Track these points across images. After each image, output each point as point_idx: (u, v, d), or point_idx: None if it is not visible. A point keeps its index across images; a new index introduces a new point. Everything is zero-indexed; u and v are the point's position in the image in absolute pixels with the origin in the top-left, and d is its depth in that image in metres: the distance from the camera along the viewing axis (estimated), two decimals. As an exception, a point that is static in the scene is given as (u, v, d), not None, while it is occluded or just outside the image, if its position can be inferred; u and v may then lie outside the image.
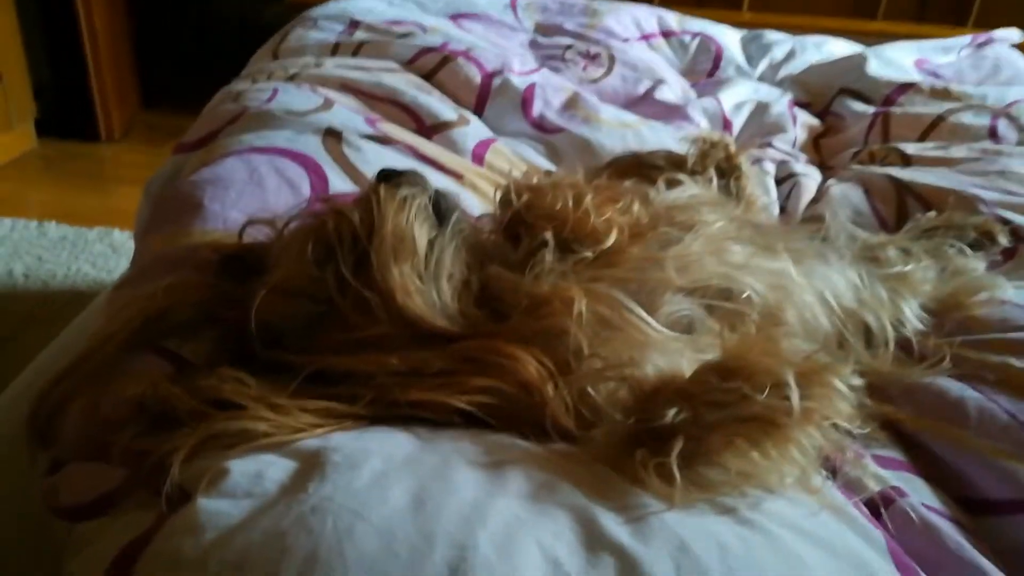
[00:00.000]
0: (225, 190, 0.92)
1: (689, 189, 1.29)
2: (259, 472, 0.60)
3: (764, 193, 1.39)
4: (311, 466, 0.60)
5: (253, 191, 0.93)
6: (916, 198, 1.36)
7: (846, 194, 1.41)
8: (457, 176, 1.13)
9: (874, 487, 0.77)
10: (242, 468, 0.60)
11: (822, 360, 0.66)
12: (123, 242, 2.68)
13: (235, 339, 0.77)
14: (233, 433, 0.63)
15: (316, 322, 0.75)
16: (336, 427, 0.67)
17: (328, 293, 0.74)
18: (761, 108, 1.74)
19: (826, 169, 1.63)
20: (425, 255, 0.77)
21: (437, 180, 1.10)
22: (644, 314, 0.78)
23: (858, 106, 1.77)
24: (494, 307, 0.79)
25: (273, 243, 0.81)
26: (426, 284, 0.76)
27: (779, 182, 1.50)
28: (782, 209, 1.45)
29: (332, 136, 1.05)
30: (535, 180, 0.90)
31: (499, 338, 0.73)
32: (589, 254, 0.82)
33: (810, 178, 1.50)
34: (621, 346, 0.74)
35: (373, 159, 1.05)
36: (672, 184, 1.30)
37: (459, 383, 0.70)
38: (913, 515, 0.75)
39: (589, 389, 0.71)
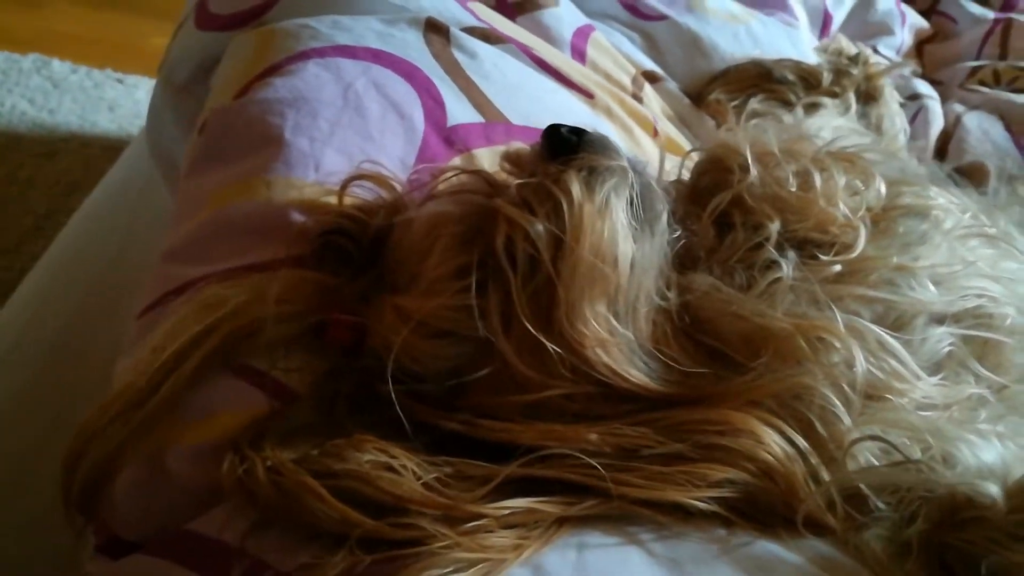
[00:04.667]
0: (313, 118, 0.65)
1: (832, 117, 1.07)
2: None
3: (904, 124, 1.17)
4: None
5: (352, 120, 0.66)
6: (1070, 141, 1.17)
7: (985, 129, 1.20)
8: (587, 95, 0.87)
9: None
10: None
11: None
12: (65, 75, 2.29)
13: (348, 370, 0.54)
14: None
15: (466, 368, 0.53)
16: (544, 542, 0.47)
17: (484, 332, 0.52)
18: (865, 2, 1.48)
19: (934, 85, 1.40)
20: (628, 284, 0.54)
21: (567, 103, 0.84)
22: (910, 361, 0.59)
23: (974, 7, 1.52)
24: (704, 340, 0.58)
25: (400, 231, 0.57)
26: (624, 325, 0.54)
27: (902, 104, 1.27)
28: (904, 140, 1.24)
29: (436, 32, 0.77)
30: (760, 142, 0.66)
31: (724, 403, 0.53)
32: (837, 266, 0.60)
33: (935, 101, 1.28)
34: (898, 417, 0.55)
35: (493, 72, 0.78)
36: (811, 109, 1.08)
37: (691, 474, 0.50)
38: None
39: (858, 482, 0.52)
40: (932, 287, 0.63)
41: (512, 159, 0.60)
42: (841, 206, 0.61)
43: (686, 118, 1.08)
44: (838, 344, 0.55)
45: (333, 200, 0.62)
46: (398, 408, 0.50)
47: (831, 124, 1.05)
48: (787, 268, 0.59)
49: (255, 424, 0.53)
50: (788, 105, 1.07)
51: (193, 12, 0.87)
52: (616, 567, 0.47)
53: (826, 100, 1.06)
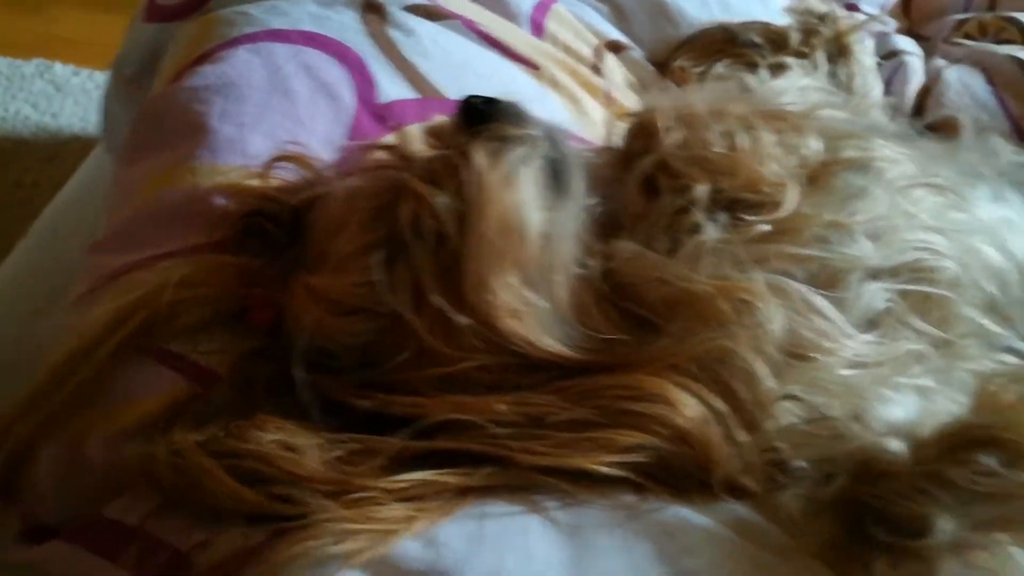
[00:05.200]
0: (240, 103, 0.65)
1: (797, 78, 1.05)
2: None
3: (877, 82, 1.15)
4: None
5: (279, 103, 0.66)
6: (1053, 92, 1.13)
7: (966, 84, 1.17)
8: (532, 66, 0.86)
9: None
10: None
11: None
12: (67, 79, 2.32)
13: (267, 351, 0.55)
14: (307, 559, 0.43)
15: (378, 344, 0.53)
16: (441, 513, 0.47)
17: (396, 306, 0.52)
18: (844, -45, 1.45)
19: (920, 40, 1.37)
20: (540, 253, 0.54)
21: (510, 76, 0.83)
22: (838, 318, 0.58)
23: (961, -44, 1.48)
24: (627, 307, 0.57)
25: (317, 209, 0.57)
26: (539, 294, 0.53)
27: (881, 61, 1.24)
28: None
29: (373, 11, 0.77)
30: (688, 105, 0.65)
31: (641, 368, 0.52)
32: (766, 226, 0.59)
33: (916, 57, 1.25)
34: (819, 376, 0.54)
35: (431, 49, 0.77)
36: (777, 70, 1.06)
37: (599, 441, 0.50)
38: None
39: (777, 442, 0.52)
40: (867, 242, 0.62)
41: (434, 132, 0.60)
42: (769, 164, 0.60)
43: (650, 86, 1.07)
44: (760, 305, 0.54)
45: (257, 183, 0.62)
46: (301, 390, 0.50)
47: (796, 85, 1.03)
48: (710, 230, 0.59)
49: (172, 408, 0.53)
50: (754, 68, 1.05)
51: (143, 5, 0.88)
52: (514, 536, 0.46)
53: (792, 61, 1.04)
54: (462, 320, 0.52)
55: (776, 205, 0.61)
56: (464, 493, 0.49)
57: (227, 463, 0.47)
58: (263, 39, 0.71)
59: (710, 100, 0.65)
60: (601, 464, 0.50)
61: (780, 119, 0.65)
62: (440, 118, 0.64)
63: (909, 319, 0.64)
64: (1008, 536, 0.45)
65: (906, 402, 0.53)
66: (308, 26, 0.74)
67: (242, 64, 0.68)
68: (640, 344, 0.55)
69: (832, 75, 1.09)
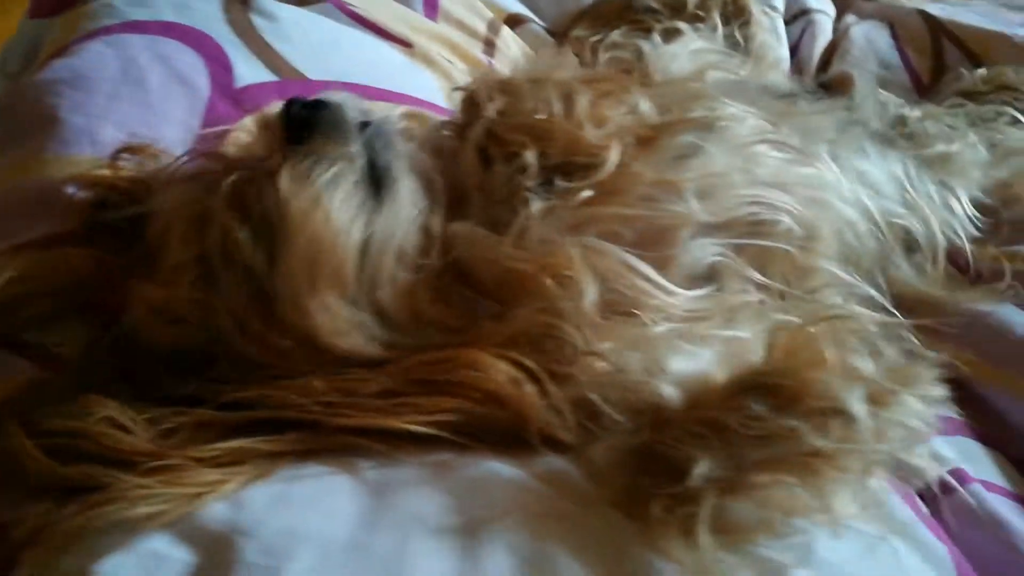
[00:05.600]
0: (90, 94, 0.67)
1: (691, 42, 1.06)
2: (142, 584, 0.43)
3: (777, 43, 1.16)
4: (214, 566, 0.43)
5: (131, 93, 0.68)
6: (956, 44, 1.14)
7: (871, 39, 1.18)
8: (404, 44, 0.88)
9: (933, 473, 0.63)
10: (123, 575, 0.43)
11: (901, 370, 0.49)
12: None
13: (115, 339, 0.57)
14: (97, 524, 0.45)
15: (210, 348, 0.55)
16: (252, 476, 0.49)
17: (218, 326, 0.54)
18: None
19: (839, -1, 1.37)
20: (359, 265, 0.55)
21: (378, 54, 0.85)
22: (656, 277, 0.60)
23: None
24: (467, 293, 0.59)
25: (157, 207, 0.58)
26: (362, 308, 0.55)
27: (787, 22, 1.25)
28: (792, 54, 1.22)
29: (236, 2, 0.79)
30: (512, 74, 0.67)
31: (464, 347, 0.55)
32: (588, 191, 0.61)
33: (825, 15, 1.26)
34: (630, 333, 0.56)
35: (294, 33, 0.79)
36: (670, 35, 1.07)
37: (411, 405, 0.52)
38: (978, 508, 0.62)
39: (590, 395, 0.54)
40: (694, 200, 0.63)
41: (260, 125, 0.62)
42: (587, 127, 0.62)
43: (553, 58, 1.08)
44: (575, 276, 0.56)
45: (108, 172, 0.64)
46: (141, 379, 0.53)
47: (688, 49, 1.04)
48: (536, 201, 0.60)
49: (16, 393, 0.56)
50: (651, 34, 1.06)
51: (31, 2, 0.89)
52: (317, 495, 0.49)
53: (685, 26, 1.05)
54: (284, 343, 0.53)
55: (600, 167, 0.62)
56: (277, 457, 0.51)
57: (46, 442, 0.50)
58: (119, 31, 0.73)
59: (532, 68, 0.66)
60: (412, 424, 0.52)
61: (606, 83, 0.66)
62: (274, 106, 0.65)
63: (746, 272, 0.66)
64: (779, 476, 0.46)
65: (705, 353, 0.55)
66: (169, 16, 0.75)
67: (95, 56, 0.70)
68: (474, 327, 0.57)
69: (729, 37, 1.10)
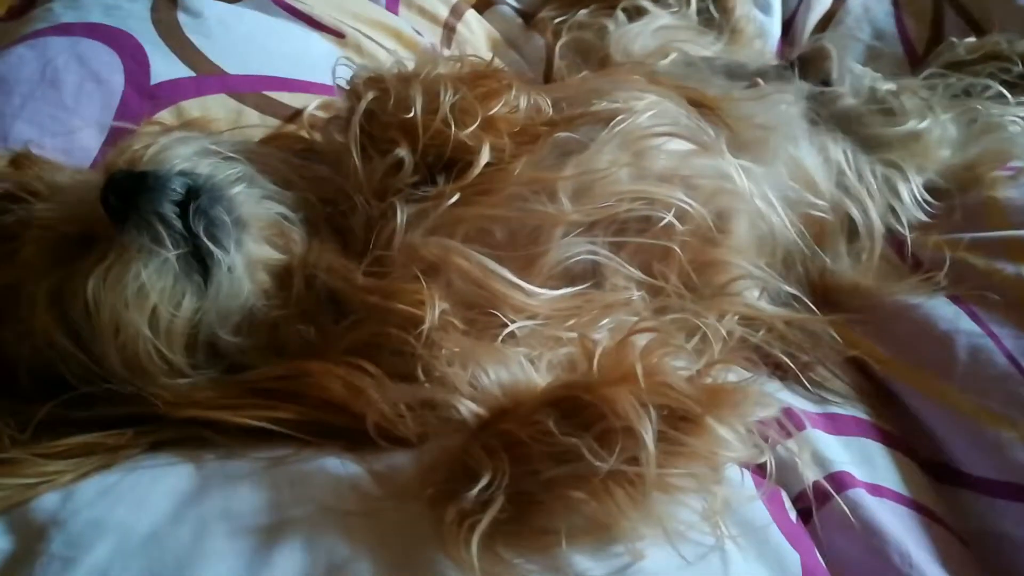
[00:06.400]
0: (7, 96, 0.72)
1: (656, 19, 1.03)
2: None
3: (764, 11, 1.11)
4: (23, 556, 0.47)
5: (45, 93, 0.73)
6: (957, 11, 1.07)
7: (868, 7, 1.12)
8: (336, 35, 0.89)
9: (811, 476, 0.61)
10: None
11: (714, 389, 0.48)
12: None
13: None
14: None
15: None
16: (94, 468, 0.53)
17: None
18: None
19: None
20: (189, 338, 0.58)
21: (307, 43, 0.87)
22: (512, 278, 0.60)
23: None
24: (332, 311, 0.62)
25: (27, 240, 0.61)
26: (199, 364, 0.59)
27: (785, -11, 1.19)
28: (786, 27, 1.17)
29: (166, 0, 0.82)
30: (388, 69, 0.67)
31: (308, 357, 0.58)
32: (457, 192, 0.61)
33: (824, -16, 1.20)
34: (464, 341, 0.56)
35: (216, 29, 0.82)
36: (636, 13, 1.04)
37: (249, 404, 0.55)
38: (852, 517, 0.59)
39: (432, 397, 0.55)
40: (566, 199, 0.63)
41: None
42: (456, 125, 0.62)
43: (515, 40, 1.07)
44: (422, 298, 0.57)
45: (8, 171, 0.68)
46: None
47: (652, 27, 1.02)
48: (403, 206, 0.61)
49: None
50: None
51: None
52: (141, 487, 0.52)
53: (649, 3, 1.02)
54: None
55: (468, 164, 0.62)
56: (122, 450, 0.55)
57: None
58: (44, 34, 0.77)
59: (408, 65, 0.67)
60: (249, 418, 0.55)
61: (487, 80, 0.65)
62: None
63: (627, 271, 0.65)
64: (563, 493, 0.46)
65: (526, 361, 0.55)
66: (96, 17, 0.79)
67: (15, 59, 0.75)
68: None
69: (704, 12, 1.06)
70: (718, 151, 0.70)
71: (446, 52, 0.98)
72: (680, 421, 0.47)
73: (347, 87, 0.67)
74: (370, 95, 0.63)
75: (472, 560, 0.45)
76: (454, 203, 0.62)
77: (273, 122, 0.79)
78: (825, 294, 0.76)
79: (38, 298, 0.58)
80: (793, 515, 0.60)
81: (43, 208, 0.61)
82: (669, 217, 0.64)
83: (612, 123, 0.68)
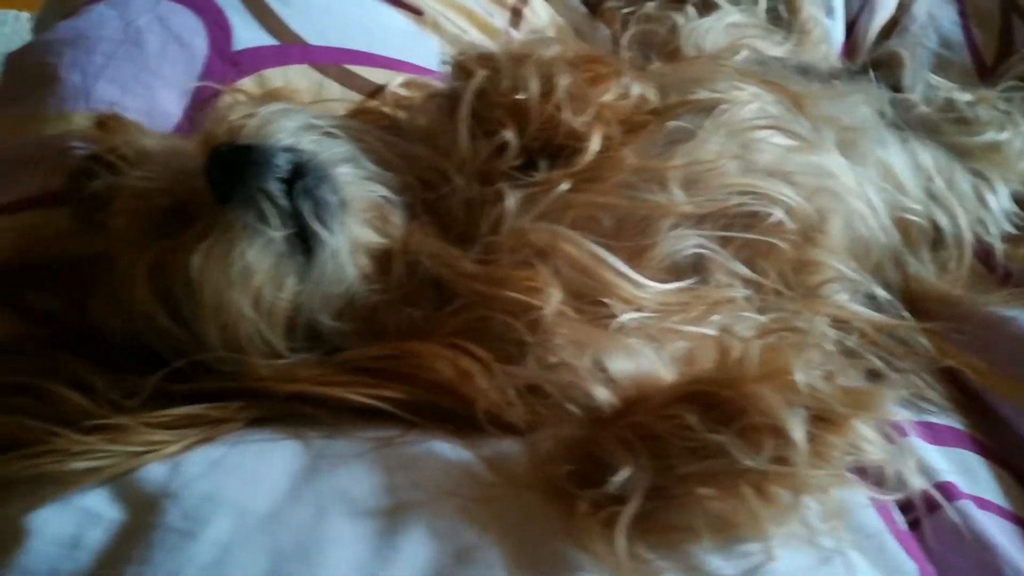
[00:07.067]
0: (89, 53, 0.68)
1: (727, 15, 1.01)
2: (75, 538, 0.45)
3: (827, 14, 1.09)
4: (138, 527, 0.45)
5: (128, 53, 0.69)
6: (1027, 22, 1.06)
7: (934, 15, 1.10)
8: (415, 11, 0.86)
9: (918, 484, 0.60)
10: (54, 529, 0.45)
11: (858, 392, 0.46)
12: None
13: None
14: (29, 474, 0.47)
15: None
16: (197, 440, 0.50)
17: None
18: None
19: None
20: (290, 320, 0.56)
21: (386, 17, 0.84)
22: (624, 268, 0.58)
23: None
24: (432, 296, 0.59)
25: (118, 206, 0.58)
26: (298, 346, 0.57)
27: (847, -7, 1.18)
28: (850, 29, 1.16)
29: (245, -35, 0.79)
30: (500, 47, 0.65)
31: (412, 339, 0.56)
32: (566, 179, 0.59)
33: (889, -12, 1.18)
34: (581, 328, 0.54)
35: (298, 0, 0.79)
36: (705, 8, 1.02)
37: (355, 383, 0.53)
38: (963, 527, 0.58)
39: (541, 384, 0.53)
40: (677, 188, 0.61)
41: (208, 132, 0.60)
42: (567, 111, 0.60)
43: (581, 28, 1.05)
44: (534, 285, 0.55)
45: (96, 134, 0.65)
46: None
47: (723, 23, 1.00)
48: (510, 191, 0.59)
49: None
50: (685, 6, 1.02)
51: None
52: (250, 462, 0.49)
53: (720, 0, 1.00)
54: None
55: (581, 153, 0.60)
56: (225, 423, 0.52)
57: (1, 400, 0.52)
58: (124, -7, 0.74)
59: (520, 45, 0.64)
60: (357, 395, 0.53)
61: (597, 65, 0.63)
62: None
63: (732, 266, 0.63)
64: (705, 490, 0.45)
65: (654, 353, 0.53)
66: (174, -21, 0.76)
67: (96, 18, 0.72)
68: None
69: (772, 11, 1.04)
70: (820, 147, 0.68)
71: (515, 35, 0.95)
72: (819, 421, 0.46)
73: (455, 64, 0.64)
74: (482, 73, 0.61)
75: (615, 554, 0.43)
76: (562, 189, 0.60)
77: (353, 96, 0.76)
78: (912, 301, 0.75)
79: (136, 272, 0.55)
80: (903, 524, 0.58)
81: (136, 176, 0.58)
82: (780, 214, 0.63)
83: (716, 112, 0.66)
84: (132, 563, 0.43)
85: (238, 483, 0.48)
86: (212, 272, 0.53)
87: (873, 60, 0.99)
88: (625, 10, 1.03)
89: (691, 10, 0.99)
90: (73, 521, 0.46)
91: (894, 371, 0.68)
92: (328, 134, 0.60)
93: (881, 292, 0.70)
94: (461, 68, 0.64)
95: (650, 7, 1.02)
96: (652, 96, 0.66)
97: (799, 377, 0.46)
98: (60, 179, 0.64)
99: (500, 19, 0.96)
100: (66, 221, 0.63)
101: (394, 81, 0.76)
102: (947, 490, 0.60)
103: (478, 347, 0.55)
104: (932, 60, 1.06)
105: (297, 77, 0.75)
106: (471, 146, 0.62)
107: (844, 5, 1.15)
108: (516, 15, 0.99)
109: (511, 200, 0.59)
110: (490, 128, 0.62)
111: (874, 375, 0.67)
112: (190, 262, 0.53)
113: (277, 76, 0.74)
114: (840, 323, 0.67)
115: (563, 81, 0.60)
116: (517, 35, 0.95)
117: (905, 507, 0.60)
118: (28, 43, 0.74)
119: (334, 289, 0.56)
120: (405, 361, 0.54)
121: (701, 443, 0.44)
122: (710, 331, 0.56)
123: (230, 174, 0.54)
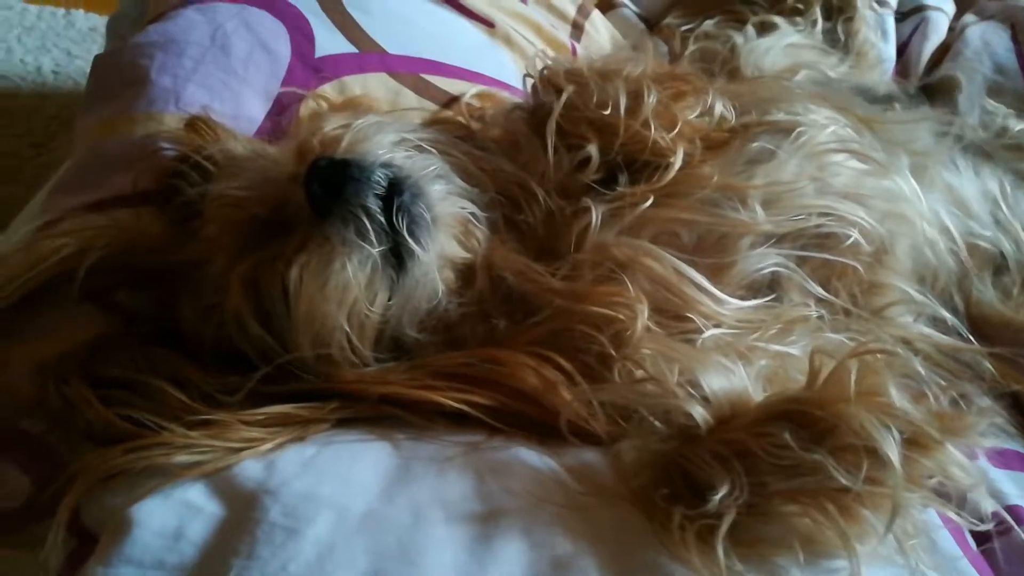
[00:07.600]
0: (179, 57, 0.70)
1: (786, 36, 1.03)
2: (178, 530, 0.46)
3: (881, 39, 1.10)
4: (240, 522, 0.46)
5: (216, 57, 0.71)
6: (1081, 51, 1.06)
7: (987, 41, 1.11)
8: (487, 24, 0.88)
9: (988, 508, 0.60)
10: (158, 520, 0.46)
11: (949, 416, 0.47)
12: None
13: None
14: (138, 466, 0.48)
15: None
16: (290, 439, 0.52)
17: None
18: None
19: (961, -4, 1.29)
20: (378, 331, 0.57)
21: (459, 29, 0.86)
22: (706, 284, 0.59)
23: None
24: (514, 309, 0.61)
25: (206, 205, 0.60)
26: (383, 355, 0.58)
27: (899, 19, 1.18)
28: (900, 52, 1.17)
29: (326, -28, 0.81)
30: (580, 63, 0.66)
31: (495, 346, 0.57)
32: (647, 200, 0.60)
33: (942, 13, 1.19)
34: (669, 344, 0.55)
35: (374, 6, 0.81)
36: (765, 29, 1.03)
37: (443, 387, 0.54)
38: (1033, 552, 0.58)
39: (625, 396, 0.54)
40: (759, 207, 0.62)
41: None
42: (653, 126, 0.61)
43: (639, 45, 1.06)
44: (620, 300, 0.56)
45: (185, 135, 0.67)
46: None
47: (782, 43, 1.01)
48: (594, 206, 0.60)
49: (90, 342, 0.59)
50: (745, 26, 1.03)
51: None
52: (343, 462, 0.51)
53: (780, 19, 1.01)
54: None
55: (665, 169, 0.61)
56: (316, 423, 0.54)
57: (104, 392, 0.53)
58: (211, 0, 0.76)
59: (606, 60, 0.65)
60: (446, 399, 0.54)
61: (681, 82, 0.64)
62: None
63: (808, 286, 0.64)
64: (800, 508, 0.46)
65: (744, 370, 0.54)
66: (260, -14, 0.78)
67: (185, 22, 0.74)
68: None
69: (829, 32, 1.05)
70: (893, 172, 0.69)
71: (580, 49, 0.97)
72: (912, 444, 0.47)
73: (541, 78, 0.65)
74: (570, 88, 0.62)
75: (712, 565, 0.44)
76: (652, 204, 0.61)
77: (429, 105, 0.78)
78: (974, 325, 0.75)
79: (232, 282, 0.56)
80: (974, 547, 0.59)
81: (229, 186, 0.59)
82: (856, 236, 0.64)
83: (794, 135, 0.67)
84: (240, 556, 0.44)
85: (334, 482, 0.49)
86: (309, 285, 0.54)
87: (928, 84, 1.00)
88: (684, 28, 1.04)
89: (750, 29, 1.01)
90: (176, 514, 0.47)
91: (961, 394, 0.69)
92: (419, 148, 0.61)
93: (948, 315, 0.71)
94: (549, 82, 0.65)
95: (709, 25, 1.04)
96: (729, 115, 0.67)
97: (894, 399, 0.47)
98: (150, 179, 0.66)
99: (563, 33, 0.98)
100: (157, 223, 0.64)
101: (468, 92, 0.77)
102: (1017, 513, 0.61)
103: (561, 356, 0.56)
104: (986, 85, 1.07)
105: (375, 85, 0.77)
106: (554, 159, 0.64)
107: (895, 29, 1.16)
108: (577, 29, 1.01)
109: (596, 215, 0.60)
110: (573, 142, 0.63)
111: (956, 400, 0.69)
112: (288, 275, 0.54)
113: (356, 84, 0.76)
114: (906, 344, 0.68)
115: (651, 98, 0.61)
116: (580, 49, 0.96)
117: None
118: (118, 46, 0.75)
119: (423, 302, 0.58)
120: (491, 368, 0.55)
121: (795, 461, 0.45)
122: (793, 350, 0.57)
123: (329, 189, 0.55)
